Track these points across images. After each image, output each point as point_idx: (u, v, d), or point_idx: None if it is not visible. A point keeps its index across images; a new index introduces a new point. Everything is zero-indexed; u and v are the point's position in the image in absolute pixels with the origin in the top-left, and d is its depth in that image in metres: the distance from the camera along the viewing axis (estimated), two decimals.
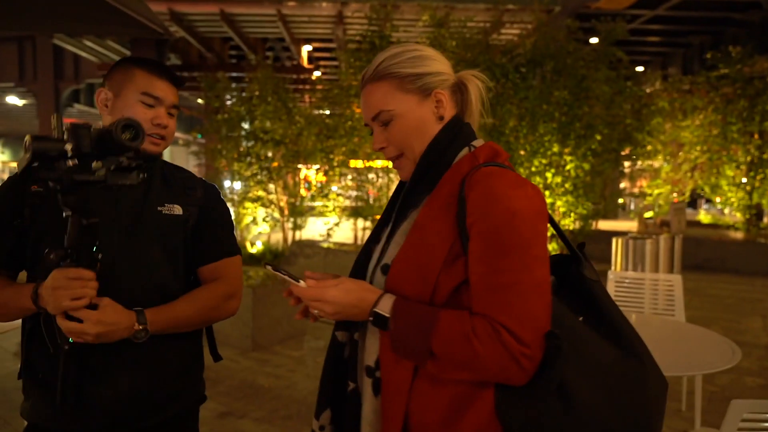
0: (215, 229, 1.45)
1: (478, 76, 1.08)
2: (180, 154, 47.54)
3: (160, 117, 1.34)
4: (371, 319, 0.95)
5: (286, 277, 0.98)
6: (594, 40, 8.41)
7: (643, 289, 3.80)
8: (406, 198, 1.03)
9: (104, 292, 1.16)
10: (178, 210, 1.38)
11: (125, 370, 1.26)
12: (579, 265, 1.02)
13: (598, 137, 7.23)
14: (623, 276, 3.76)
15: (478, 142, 1.05)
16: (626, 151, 8.86)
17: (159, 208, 1.35)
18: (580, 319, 0.98)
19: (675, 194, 11.52)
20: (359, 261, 1.11)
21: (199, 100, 23.18)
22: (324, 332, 5.50)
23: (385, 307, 0.94)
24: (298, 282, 0.98)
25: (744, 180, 10.79)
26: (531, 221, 0.90)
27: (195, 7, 12.83)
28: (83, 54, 16.82)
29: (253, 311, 4.78)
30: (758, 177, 10.65)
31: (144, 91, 1.32)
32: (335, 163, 9.33)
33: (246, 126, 9.81)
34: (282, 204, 9.90)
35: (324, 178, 9.82)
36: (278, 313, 5.04)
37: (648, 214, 11.78)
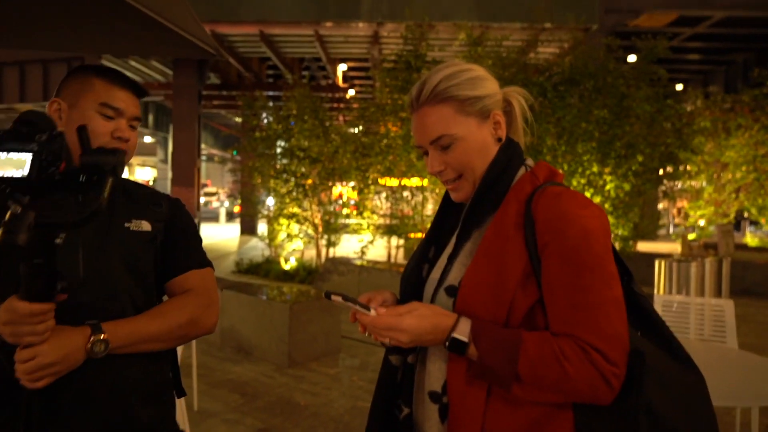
0: (182, 242, 1.36)
1: (521, 93, 1.09)
2: (216, 171, 48.62)
3: (121, 130, 1.24)
4: (447, 344, 0.93)
5: (356, 307, 0.96)
6: (632, 58, 8.28)
7: (689, 314, 3.66)
8: (469, 218, 1.02)
9: (62, 319, 1.02)
10: (146, 226, 1.28)
11: (81, 400, 1.12)
12: (630, 279, 1.01)
13: (640, 157, 7.07)
14: (670, 300, 3.64)
15: (530, 161, 1.07)
16: (666, 171, 8.63)
17: (126, 225, 1.25)
18: (638, 333, 0.99)
19: (722, 216, 11.13)
20: (410, 281, 1.09)
21: (237, 119, 23.82)
22: (359, 350, 5.47)
23: (463, 331, 0.92)
24: (369, 311, 0.96)
25: None
26: (603, 239, 0.92)
27: (236, 29, 13.22)
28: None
29: (289, 327, 4.80)
30: None
31: (103, 101, 1.22)
32: (370, 181, 9.39)
33: (282, 144, 9.99)
34: (316, 221, 9.99)
35: (356, 196, 9.89)
36: (314, 329, 5.05)
37: (691, 236, 11.41)
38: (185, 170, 14.35)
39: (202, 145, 18.37)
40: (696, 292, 6.01)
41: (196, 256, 1.37)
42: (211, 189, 35.33)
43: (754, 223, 13.92)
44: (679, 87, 15.93)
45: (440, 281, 1.01)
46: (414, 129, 1.06)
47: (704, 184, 11.34)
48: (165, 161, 26.64)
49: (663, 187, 8.49)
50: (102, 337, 1.07)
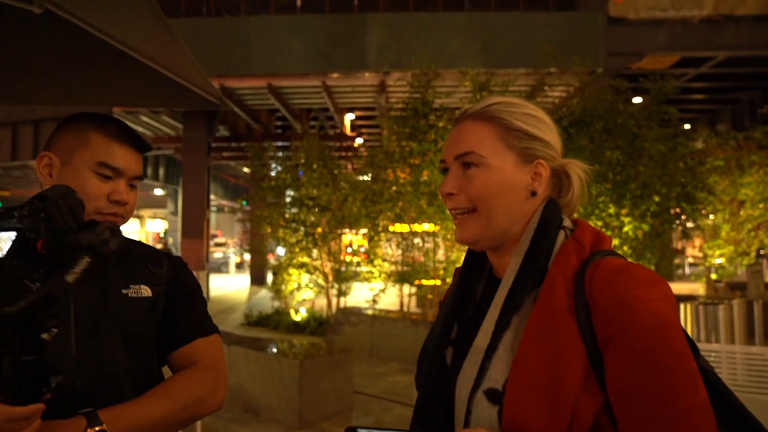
0: (186, 307, 1.22)
1: (581, 166, 0.93)
2: (226, 221, 49.02)
3: (119, 192, 1.10)
4: None
5: None
6: (638, 100, 8.26)
7: (725, 363, 3.41)
8: (510, 301, 0.83)
9: (51, 408, 0.85)
10: (146, 291, 1.14)
11: None
12: (697, 354, 0.80)
13: (657, 198, 6.91)
14: (708, 349, 3.40)
15: (567, 222, 0.89)
16: (683, 211, 8.46)
17: (124, 291, 1.11)
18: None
19: (742, 254, 10.84)
20: (431, 371, 0.90)
21: (245, 169, 24.09)
22: (373, 407, 5.20)
23: None
24: None
25: None
26: (678, 326, 0.75)
27: (244, 82, 13.51)
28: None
29: (300, 385, 4.56)
30: None
31: (101, 160, 1.08)
32: (380, 228, 9.28)
33: (291, 193, 9.98)
34: (326, 270, 9.83)
35: (365, 243, 9.76)
36: (326, 386, 4.80)
37: (713, 276, 11.09)
38: (195, 221, 14.37)
39: (212, 196, 18.50)
40: (726, 338, 5.70)
41: (202, 321, 1.24)
42: (220, 239, 35.41)
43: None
44: (687, 126, 15.94)
45: (477, 381, 0.81)
46: (448, 141, 0.93)
47: (721, 222, 11.11)
48: (175, 213, 26.85)
49: (680, 227, 8.27)
50: (99, 429, 0.93)
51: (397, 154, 8.29)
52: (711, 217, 10.74)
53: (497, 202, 0.86)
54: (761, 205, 10.43)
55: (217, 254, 28.38)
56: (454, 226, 0.92)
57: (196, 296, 1.27)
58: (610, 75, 12.79)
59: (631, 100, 7.95)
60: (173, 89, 2.25)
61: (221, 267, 26.71)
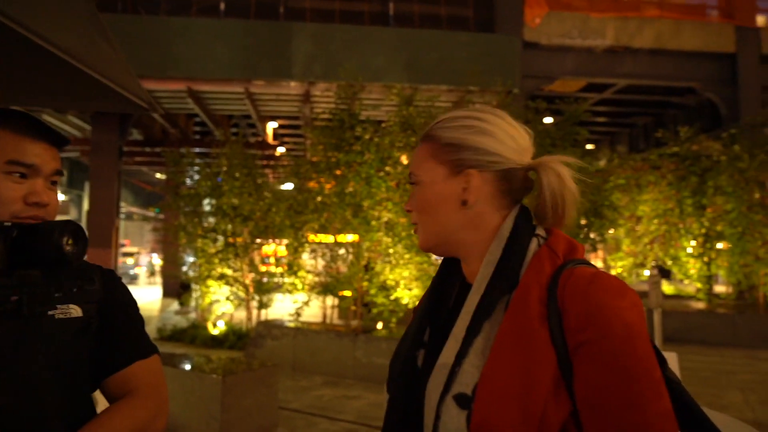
0: (122, 327, 1.11)
1: (562, 160, 0.89)
2: (136, 230, 46.23)
3: (36, 193, 0.98)
4: None
5: None
6: (548, 120, 8.82)
7: None
8: (481, 308, 0.84)
9: None
10: (76, 311, 1.03)
11: None
12: (665, 366, 0.84)
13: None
14: None
15: (540, 230, 0.90)
16: (591, 225, 9.08)
17: (50, 312, 0.99)
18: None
19: (642, 266, 11.81)
20: (403, 373, 0.90)
21: (158, 175, 22.90)
22: (298, 423, 5.09)
23: None
24: None
25: (701, 251, 11.20)
26: (646, 335, 0.77)
27: (162, 85, 12.89)
28: None
29: (222, 402, 4.37)
30: (714, 248, 11.09)
31: (11, 158, 0.96)
32: (302, 239, 9.16)
33: (213, 201, 9.62)
34: (247, 282, 9.54)
35: (285, 253, 9.60)
36: (249, 403, 4.64)
37: None
38: (102, 230, 13.45)
39: (121, 203, 17.39)
40: None
41: (140, 342, 1.14)
42: (130, 249, 33.32)
43: (665, 272, 14.88)
44: (590, 147, 17.25)
45: (447, 386, 0.81)
46: None
47: (622, 236, 12.05)
48: (79, 220, 24.98)
49: (588, 240, 8.88)
50: None
51: (323, 164, 8.24)
52: (611, 231, 11.62)
53: (430, 214, 0.92)
54: (656, 221, 11.43)
55: (129, 261, 26.79)
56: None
57: (133, 314, 1.17)
58: (525, 96, 13.57)
59: (539, 121, 8.47)
60: (101, 91, 2.12)
61: (131, 278, 25.17)
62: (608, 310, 0.75)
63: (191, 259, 10.29)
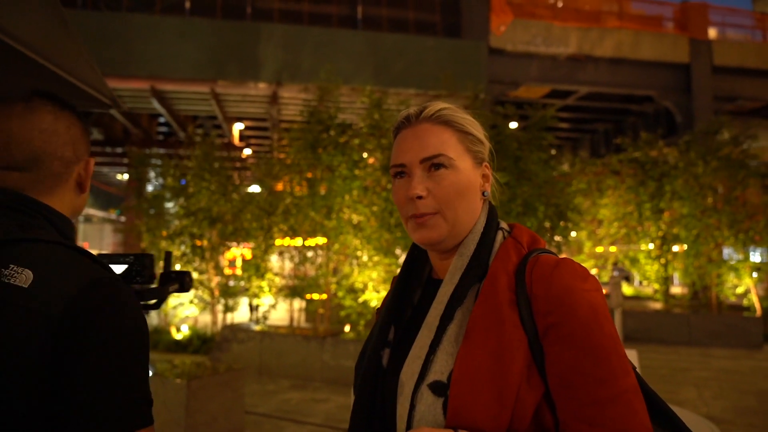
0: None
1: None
2: (95, 233, 44.87)
3: None
4: None
5: None
6: (513, 125, 9.01)
7: None
8: (456, 294, 0.86)
9: None
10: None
11: None
12: None
13: (540, 215, 7.56)
14: None
15: (505, 225, 0.95)
16: (556, 227, 9.31)
17: None
18: None
19: (603, 268, 12.15)
20: (368, 373, 0.90)
21: (119, 176, 22.28)
22: (264, 427, 5.03)
23: None
24: None
25: (658, 253, 11.60)
26: (609, 316, 0.81)
27: (124, 83, 12.56)
28: None
29: (187, 407, 4.28)
30: (670, 250, 11.51)
31: None
32: (270, 241, 9.07)
33: (180, 202, 9.42)
34: (212, 285, 9.37)
35: (251, 256, 9.48)
36: (215, 407, 4.56)
37: None
38: None
39: None
40: None
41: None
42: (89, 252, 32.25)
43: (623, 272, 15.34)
44: (553, 152, 17.71)
45: (421, 375, 0.81)
46: (403, 145, 0.91)
47: (584, 238, 12.38)
48: None
49: (552, 242, 9.11)
50: None
51: (298, 165, 8.16)
52: (573, 233, 11.95)
53: (460, 203, 0.88)
54: (616, 224, 11.79)
55: None
56: (410, 229, 0.91)
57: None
58: (491, 101, 13.81)
59: (509, 125, 8.64)
60: (60, 86, 2.05)
61: None
62: (574, 293, 0.79)
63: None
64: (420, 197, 0.88)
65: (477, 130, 0.94)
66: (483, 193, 0.94)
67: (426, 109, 0.93)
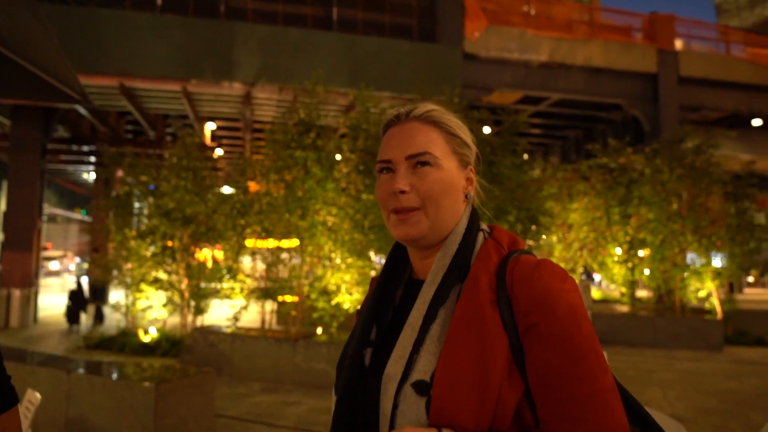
0: None
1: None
2: (59, 232, 43.50)
3: None
4: None
5: None
6: (486, 130, 9.11)
7: None
8: (439, 293, 0.87)
9: None
10: None
11: None
12: None
13: (511, 219, 7.66)
14: None
15: (485, 227, 0.97)
16: (528, 231, 9.44)
17: None
18: None
19: (570, 271, 12.36)
20: (351, 374, 0.89)
21: (86, 175, 21.69)
22: (235, 431, 4.95)
23: None
24: None
25: (626, 258, 11.88)
26: (587, 315, 0.83)
27: (92, 80, 12.23)
28: None
29: (155, 412, 4.18)
30: (637, 255, 11.81)
31: None
32: (246, 243, 8.95)
33: (150, 202, 9.22)
34: (182, 287, 9.20)
35: (222, 258, 9.34)
36: (184, 411, 4.47)
37: None
38: (23, 232, 12.56)
39: (44, 204, 16.32)
40: None
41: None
42: (53, 253, 31.28)
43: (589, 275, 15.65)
44: (525, 157, 18.00)
45: (405, 375, 0.82)
46: (390, 141, 0.93)
47: (555, 242, 12.59)
48: None
49: (526, 246, 9.24)
50: None
51: (274, 165, 8.06)
52: (543, 237, 12.15)
53: (443, 201, 0.90)
54: (585, 228, 12.03)
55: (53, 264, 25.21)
56: (391, 224, 0.92)
57: None
58: (464, 105, 13.93)
59: (482, 130, 8.73)
60: (30, 81, 1.99)
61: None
62: (554, 293, 0.81)
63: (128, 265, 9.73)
64: (403, 192, 0.89)
65: (465, 133, 0.96)
66: (466, 196, 0.95)
67: (416, 109, 0.94)
